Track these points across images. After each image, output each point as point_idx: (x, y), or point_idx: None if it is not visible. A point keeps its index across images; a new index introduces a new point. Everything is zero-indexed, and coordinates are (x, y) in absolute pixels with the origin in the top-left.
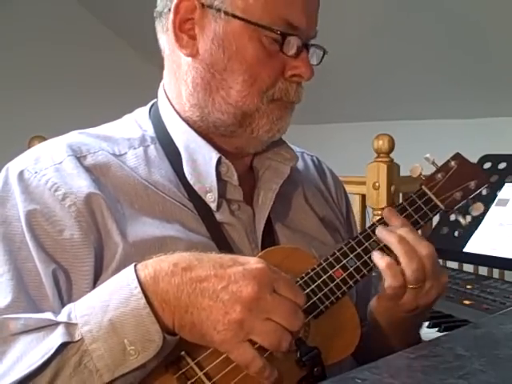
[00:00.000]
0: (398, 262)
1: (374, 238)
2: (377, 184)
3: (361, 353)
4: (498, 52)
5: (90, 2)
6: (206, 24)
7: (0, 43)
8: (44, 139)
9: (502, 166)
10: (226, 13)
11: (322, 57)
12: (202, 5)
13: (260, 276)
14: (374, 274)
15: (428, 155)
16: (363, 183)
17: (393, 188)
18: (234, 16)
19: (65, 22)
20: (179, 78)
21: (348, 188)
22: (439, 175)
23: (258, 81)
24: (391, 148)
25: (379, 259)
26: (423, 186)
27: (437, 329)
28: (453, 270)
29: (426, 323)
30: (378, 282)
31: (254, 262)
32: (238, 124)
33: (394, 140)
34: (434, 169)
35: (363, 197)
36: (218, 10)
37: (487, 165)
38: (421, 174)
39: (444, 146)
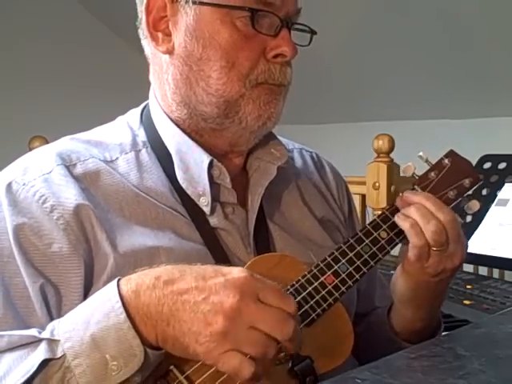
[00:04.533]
0: None
1: (367, 241)
2: (377, 184)
3: (379, 332)
4: (497, 52)
5: (89, 2)
6: (179, 18)
7: (0, 43)
8: (44, 139)
9: (502, 166)
10: (194, 2)
11: (311, 38)
12: (172, 0)
13: (242, 285)
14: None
15: (421, 153)
16: (363, 183)
17: (393, 188)
18: (202, 3)
19: (65, 22)
20: (162, 79)
21: None
22: (432, 174)
23: (237, 65)
24: (391, 148)
25: (403, 220)
26: (416, 186)
27: None
28: None
29: None
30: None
31: (236, 272)
32: (224, 115)
33: (393, 140)
34: (428, 167)
35: (363, 197)
36: (187, 1)
37: (487, 165)
38: (414, 173)
39: (444, 146)
